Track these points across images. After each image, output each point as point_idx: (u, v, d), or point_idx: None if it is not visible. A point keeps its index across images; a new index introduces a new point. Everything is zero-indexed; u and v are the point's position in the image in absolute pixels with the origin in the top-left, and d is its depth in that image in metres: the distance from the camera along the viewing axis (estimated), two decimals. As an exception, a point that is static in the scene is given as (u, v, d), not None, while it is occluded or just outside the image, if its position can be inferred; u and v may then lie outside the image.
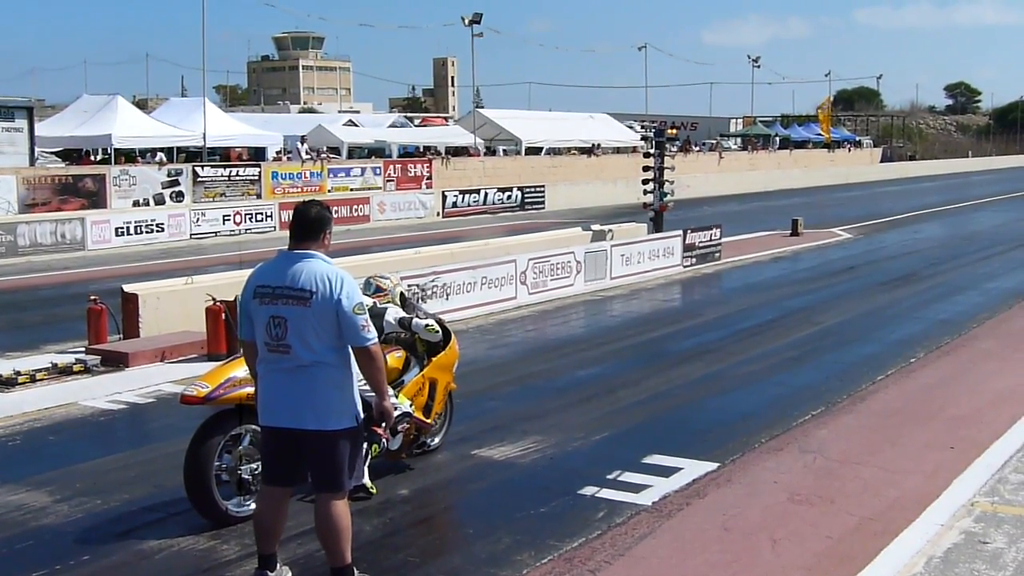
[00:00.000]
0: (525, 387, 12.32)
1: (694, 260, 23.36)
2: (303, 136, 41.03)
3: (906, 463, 8.99)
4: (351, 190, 37.55)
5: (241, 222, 32.62)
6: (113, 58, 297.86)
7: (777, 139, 78.63)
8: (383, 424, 6.53)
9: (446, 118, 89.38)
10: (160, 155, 36.28)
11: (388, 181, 39.32)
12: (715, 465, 8.98)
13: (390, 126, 57.18)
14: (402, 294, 9.13)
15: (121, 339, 14.06)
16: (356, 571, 6.39)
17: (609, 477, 8.64)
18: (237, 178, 34.24)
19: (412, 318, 8.67)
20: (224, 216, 32.34)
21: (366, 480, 7.86)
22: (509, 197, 43.20)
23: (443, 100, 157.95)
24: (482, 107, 65.70)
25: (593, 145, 55.52)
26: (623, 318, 17.89)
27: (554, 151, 54.12)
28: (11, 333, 16.36)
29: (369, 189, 38.12)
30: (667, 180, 26.53)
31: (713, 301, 19.69)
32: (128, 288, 14.61)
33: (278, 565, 6.55)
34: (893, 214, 39.74)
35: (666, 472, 8.77)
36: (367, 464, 7.74)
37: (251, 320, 6.30)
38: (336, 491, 6.24)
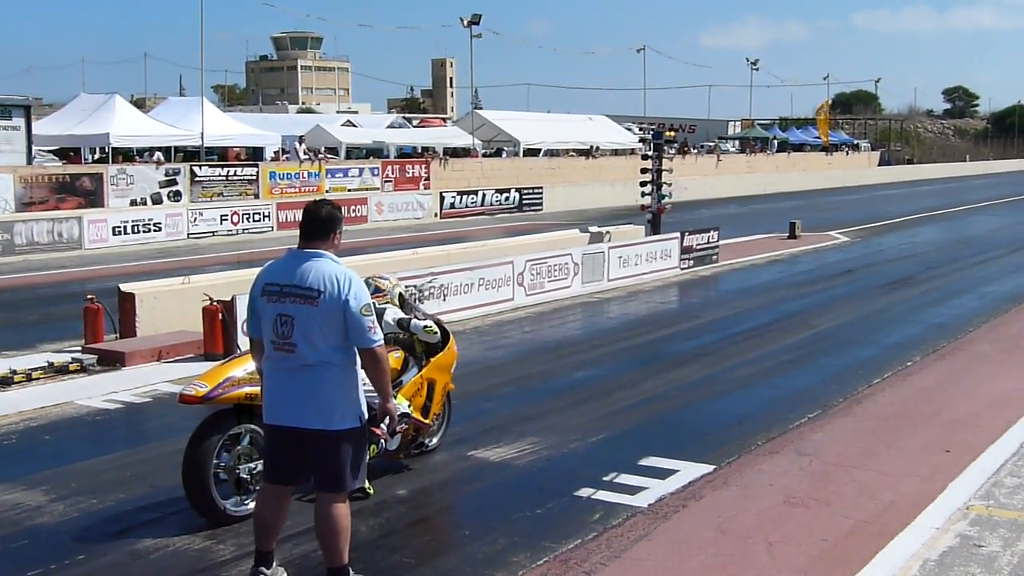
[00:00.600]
0: (522, 388, 12.32)
1: (691, 262, 23.36)
2: (301, 136, 41.11)
3: (902, 466, 9.00)
4: (349, 190, 37.55)
5: (239, 222, 32.61)
6: (111, 57, 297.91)
7: (775, 142, 78.77)
8: (385, 425, 6.51)
9: (444, 119, 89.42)
10: (158, 154, 36.26)
11: (386, 182, 39.34)
12: (711, 467, 8.98)
13: (388, 127, 57.20)
14: (401, 295, 9.12)
15: (117, 338, 14.05)
16: (352, 572, 6.38)
17: (605, 479, 8.64)
18: (235, 178, 34.25)
19: (411, 319, 8.66)
20: (221, 216, 32.33)
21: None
22: (507, 198, 43.20)
23: (441, 101, 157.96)
24: (480, 108, 65.70)
25: (591, 147, 55.54)
26: (620, 320, 17.89)
27: (552, 153, 54.13)
28: (7, 332, 16.34)
29: (367, 190, 38.13)
30: (665, 182, 26.53)
31: (710, 303, 19.70)
32: (125, 287, 14.59)
33: (274, 564, 6.54)
34: (891, 218, 39.76)
35: (662, 474, 8.77)
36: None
37: (259, 317, 6.30)
38: (338, 491, 6.24)
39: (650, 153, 26.79)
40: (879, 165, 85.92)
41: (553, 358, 14.06)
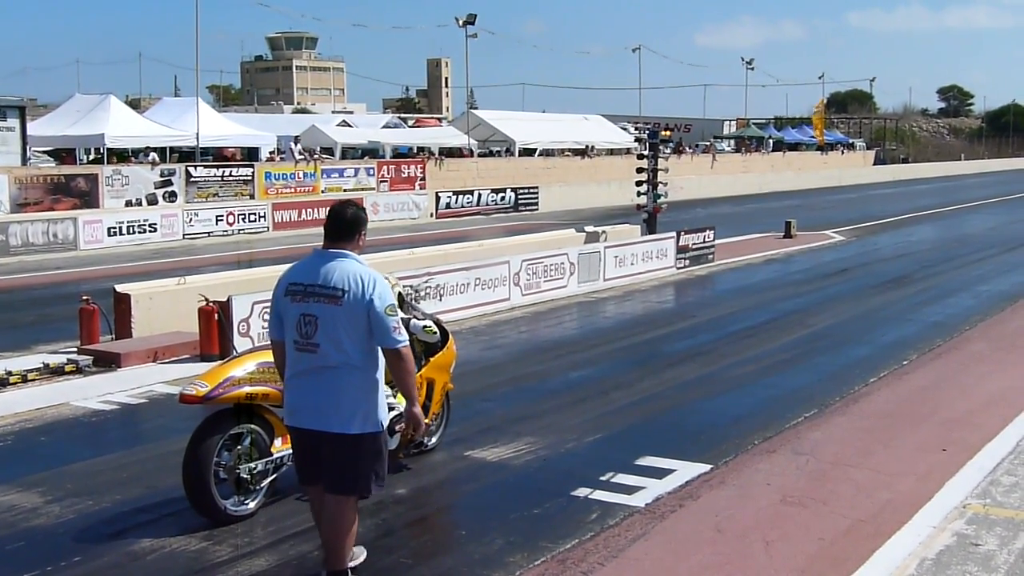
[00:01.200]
0: (518, 388, 12.32)
1: (687, 262, 23.36)
2: (296, 136, 41.03)
3: (898, 465, 9.00)
4: (344, 191, 37.50)
5: (234, 222, 32.56)
6: (106, 57, 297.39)
7: (770, 141, 78.82)
8: (412, 429, 6.51)
9: (440, 119, 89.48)
10: (153, 155, 36.21)
11: (381, 182, 39.32)
12: (708, 467, 8.98)
13: (384, 127, 57.10)
14: (400, 294, 9.11)
15: (113, 339, 14.02)
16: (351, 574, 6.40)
17: (602, 479, 8.63)
18: (230, 178, 34.20)
19: (410, 319, 8.65)
20: (217, 216, 32.28)
21: None
22: (503, 198, 43.19)
23: (437, 101, 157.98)
24: (476, 108, 65.69)
25: (587, 147, 55.53)
26: (616, 320, 17.89)
27: (548, 152, 54.13)
28: (3, 333, 16.29)
29: (362, 190, 38.09)
30: (660, 182, 26.55)
31: (706, 303, 19.69)
32: (120, 288, 14.56)
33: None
34: (886, 217, 39.79)
35: (659, 474, 8.77)
36: None
37: (280, 319, 6.29)
38: (350, 495, 6.23)
39: (646, 153, 26.79)
40: (874, 164, 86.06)
41: (549, 358, 14.06)
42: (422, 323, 8.66)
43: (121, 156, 37.39)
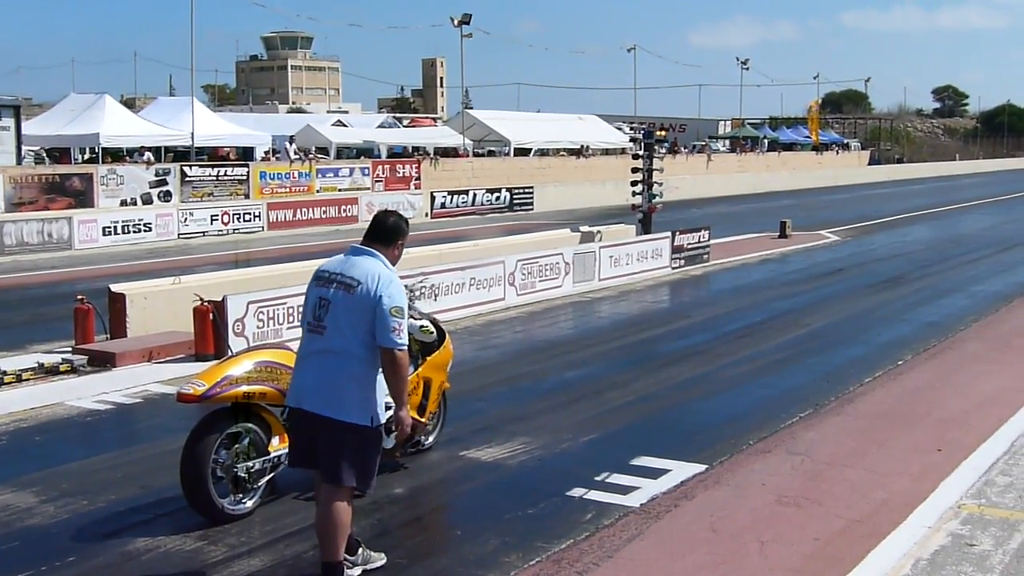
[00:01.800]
0: (513, 388, 12.32)
1: (682, 262, 23.37)
2: (291, 136, 40.97)
3: (893, 465, 9.01)
4: (339, 190, 37.49)
5: (229, 222, 32.53)
6: (101, 57, 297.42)
7: (766, 141, 78.86)
8: (400, 432, 6.63)
9: (435, 119, 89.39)
10: (148, 154, 36.17)
11: (376, 181, 39.27)
12: (703, 467, 8.98)
13: (379, 126, 57.14)
14: None
15: (108, 339, 14.01)
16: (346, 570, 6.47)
17: (597, 479, 8.63)
18: (225, 178, 34.14)
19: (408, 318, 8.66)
20: (212, 216, 32.24)
21: None
22: (498, 198, 43.18)
23: (432, 101, 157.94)
24: (471, 108, 65.69)
25: (582, 146, 55.55)
26: (611, 319, 17.89)
27: (543, 152, 54.13)
28: (-3, 333, 16.28)
29: (357, 189, 38.06)
30: (656, 182, 26.55)
31: (701, 303, 19.70)
32: (115, 288, 14.55)
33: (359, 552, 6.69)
34: (881, 217, 39.83)
35: (654, 474, 8.77)
36: None
37: (306, 305, 6.56)
38: (337, 484, 6.33)
39: (641, 152, 26.79)
40: (869, 164, 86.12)
41: (544, 358, 14.06)
42: (419, 323, 8.67)
43: (116, 155, 37.33)
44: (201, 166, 34.76)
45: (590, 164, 53.02)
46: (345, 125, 55.83)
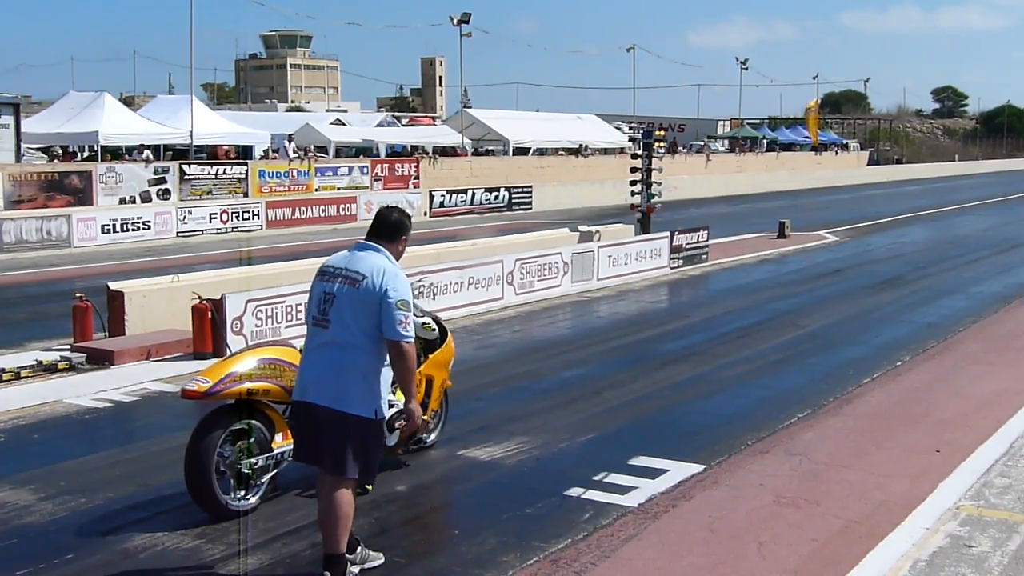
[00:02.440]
0: (511, 388, 12.32)
1: (681, 262, 23.37)
2: (290, 135, 40.91)
3: (892, 466, 9.01)
4: (338, 189, 37.44)
5: (228, 220, 32.51)
6: (100, 55, 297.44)
7: (765, 141, 78.80)
8: (410, 425, 6.69)
9: (434, 118, 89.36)
10: (147, 153, 36.12)
11: (375, 180, 39.23)
12: (701, 467, 8.99)
13: (377, 125, 57.06)
14: None
15: (107, 337, 14.01)
16: (350, 563, 6.53)
17: (595, 478, 8.64)
18: (224, 176, 34.11)
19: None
20: (211, 214, 32.21)
21: None
22: (496, 197, 43.16)
23: (431, 100, 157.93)
24: (470, 107, 65.66)
25: (581, 146, 55.52)
26: (610, 319, 17.89)
27: (542, 152, 54.11)
28: (-4, 330, 16.27)
29: (356, 188, 38.01)
30: (655, 182, 26.55)
31: (700, 303, 19.71)
32: (114, 286, 14.54)
33: (358, 550, 6.70)
34: (880, 217, 39.83)
35: (652, 474, 8.77)
36: None
37: (311, 301, 6.62)
38: (339, 475, 6.37)
39: (640, 152, 26.79)
40: (868, 165, 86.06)
41: (543, 357, 14.06)
42: (421, 320, 8.69)
43: (115, 153, 37.28)
44: (200, 164, 34.71)
45: (589, 164, 53.00)
46: (344, 124, 55.76)
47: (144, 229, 30.24)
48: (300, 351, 7.11)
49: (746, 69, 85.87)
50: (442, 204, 40.37)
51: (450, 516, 8.30)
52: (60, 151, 35.38)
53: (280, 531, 7.44)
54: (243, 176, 34.67)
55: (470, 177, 44.52)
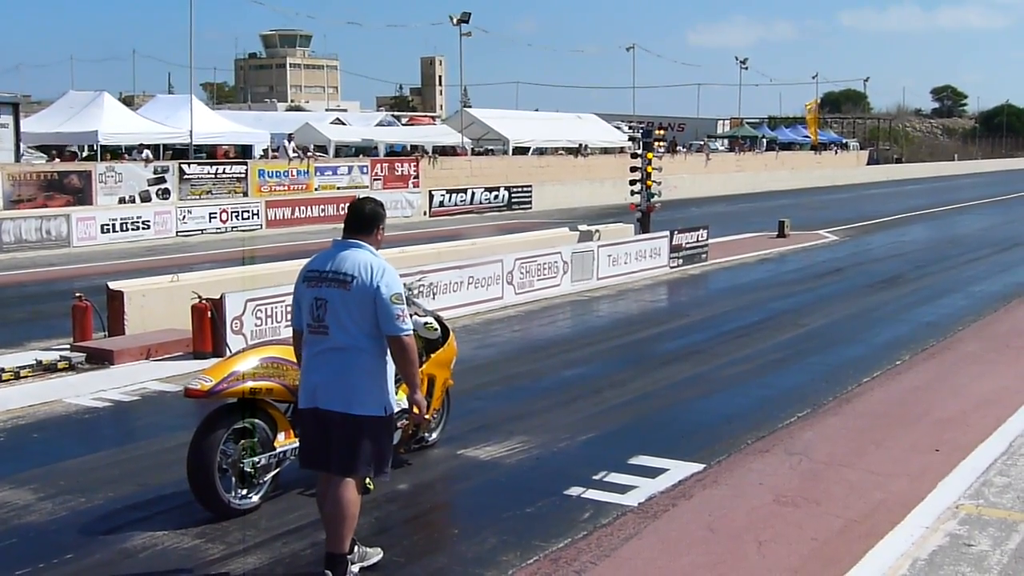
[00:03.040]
0: (511, 387, 12.32)
1: (681, 261, 23.37)
2: (290, 134, 40.91)
3: (891, 465, 9.01)
4: (338, 189, 37.44)
5: (227, 220, 32.51)
6: (99, 54, 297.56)
7: (764, 141, 78.82)
8: (415, 419, 6.68)
9: (433, 117, 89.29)
10: (146, 152, 36.12)
11: (375, 180, 39.24)
12: (701, 466, 8.98)
13: (377, 125, 57.04)
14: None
15: (106, 336, 14.00)
16: (350, 563, 6.51)
17: (595, 478, 8.63)
18: (224, 176, 34.13)
19: (411, 315, 8.66)
20: (210, 214, 32.22)
21: None
22: (496, 197, 43.17)
23: (431, 99, 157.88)
24: (470, 106, 65.64)
25: (581, 145, 55.51)
26: (610, 319, 17.89)
27: (541, 151, 54.11)
28: (-5, 330, 16.26)
29: (356, 188, 37.96)
30: (654, 181, 26.52)
31: (699, 302, 19.70)
32: (113, 285, 14.54)
33: (356, 549, 6.66)
34: (879, 216, 39.82)
35: (652, 473, 8.77)
36: None
37: (299, 307, 6.56)
38: (349, 475, 6.36)
39: (639, 152, 26.77)
40: (868, 164, 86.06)
41: (542, 357, 14.06)
42: (423, 320, 8.69)
43: (115, 153, 37.28)
44: (200, 164, 34.73)
45: (589, 163, 53.00)
46: (344, 123, 55.74)
47: (144, 229, 30.24)
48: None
49: (746, 69, 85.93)
50: (442, 204, 40.37)
51: (450, 515, 8.30)
52: (55, 153, 35.39)
53: (281, 530, 7.44)
54: (243, 176, 34.68)
55: (470, 177, 44.52)
